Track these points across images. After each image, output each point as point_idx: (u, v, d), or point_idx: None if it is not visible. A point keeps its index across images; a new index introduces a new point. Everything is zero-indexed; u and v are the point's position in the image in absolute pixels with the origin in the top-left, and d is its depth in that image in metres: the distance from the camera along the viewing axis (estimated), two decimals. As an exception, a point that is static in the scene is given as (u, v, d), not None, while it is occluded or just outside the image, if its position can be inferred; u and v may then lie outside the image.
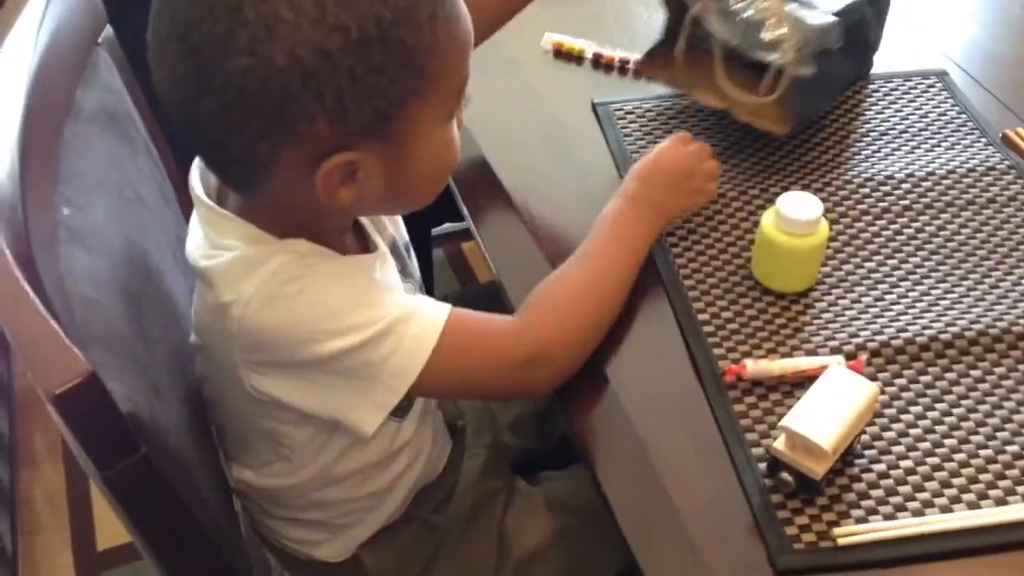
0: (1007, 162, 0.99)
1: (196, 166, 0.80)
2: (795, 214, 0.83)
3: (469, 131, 1.05)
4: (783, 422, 0.72)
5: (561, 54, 1.15)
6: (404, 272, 0.87)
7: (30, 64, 0.78)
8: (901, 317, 0.85)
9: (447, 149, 0.75)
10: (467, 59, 0.73)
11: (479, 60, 1.16)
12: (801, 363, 0.80)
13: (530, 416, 1.09)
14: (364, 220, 0.84)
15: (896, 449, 0.76)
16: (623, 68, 1.13)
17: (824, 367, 0.79)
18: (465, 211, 0.99)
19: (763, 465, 0.75)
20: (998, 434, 0.76)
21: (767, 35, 0.91)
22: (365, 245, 0.83)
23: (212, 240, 0.76)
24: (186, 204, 1.01)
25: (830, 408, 0.72)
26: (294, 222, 0.75)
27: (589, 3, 1.23)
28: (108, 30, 0.91)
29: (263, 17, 0.63)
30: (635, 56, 1.12)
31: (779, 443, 0.72)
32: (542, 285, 0.84)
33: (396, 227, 0.90)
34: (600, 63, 1.14)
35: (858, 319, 0.85)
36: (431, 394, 0.79)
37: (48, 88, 0.79)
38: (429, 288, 0.98)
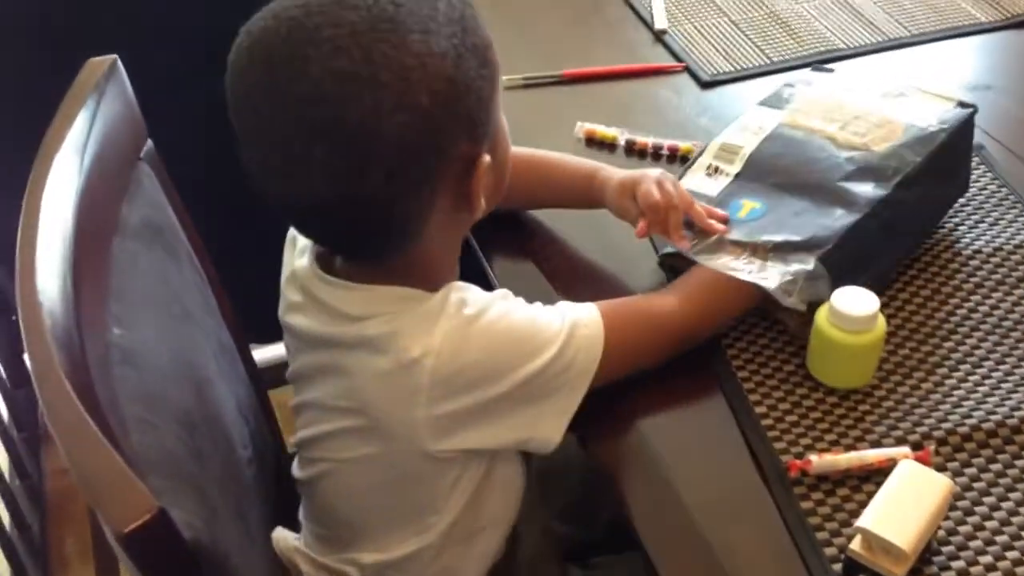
0: (1054, 236, 0.98)
1: (309, 251, 0.81)
2: (851, 310, 0.81)
3: (505, 218, 1.04)
4: (859, 523, 0.70)
5: (594, 142, 1.15)
6: None
7: (77, 183, 0.78)
8: (964, 403, 0.83)
9: (507, 135, 0.82)
10: None
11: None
12: (868, 456, 0.78)
13: (578, 502, 1.07)
14: None
15: (973, 544, 0.74)
16: (656, 154, 1.13)
17: (891, 459, 0.77)
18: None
19: (838, 567, 0.72)
20: (1077, 524, 0.74)
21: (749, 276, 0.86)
22: None
23: (354, 314, 0.77)
24: (225, 310, 1.01)
25: (906, 506, 0.70)
26: (433, 273, 0.78)
27: (617, 92, 1.24)
28: (149, 144, 0.92)
29: (396, 72, 0.68)
30: (668, 142, 1.13)
31: (856, 544, 0.70)
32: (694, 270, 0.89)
33: None
34: (633, 149, 1.14)
35: (920, 407, 0.83)
36: (603, 382, 0.81)
37: (95, 206, 0.79)
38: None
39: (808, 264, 0.84)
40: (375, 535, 0.86)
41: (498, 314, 0.77)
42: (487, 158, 0.76)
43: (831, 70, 1.06)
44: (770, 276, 0.85)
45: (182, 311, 0.87)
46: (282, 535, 0.91)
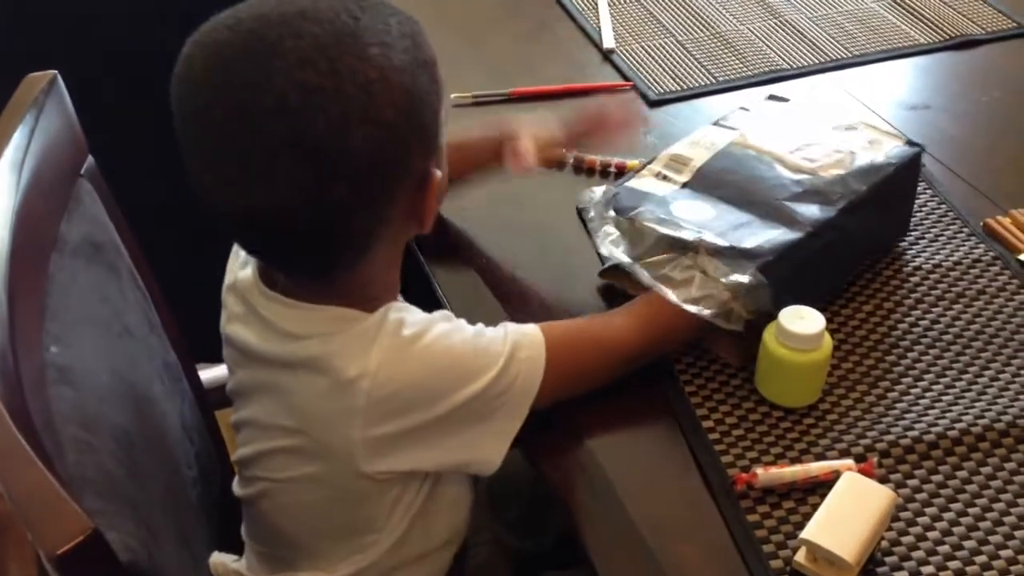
0: (991, 253, 1.00)
1: (253, 263, 0.80)
2: (798, 328, 0.81)
3: (453, 236, 1.04)
4: (804, 534, 0.70)
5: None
6: None
7: (13, 201, 0.77)
8: (906, 416, 0.84)
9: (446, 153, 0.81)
10: None
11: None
12: (812, 468, 0.79)
13: (528, 514, 1.07)
14: None
15: (916, 555, 0.74)
16: (604, 171, 1.14)
17: (835, 471, 0.78)
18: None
19: (784, 579, 0.73)
20: (1016, 533, 0.75)
21: (686, 295, 0.85)
22: None
23: (293, 332, 0.76)
24: (170, 328, 1.00)
25: (850, 518, 0.71)
26: (374, 292, 0.78)
27: (565, 110, 1.24)
28: (90, 160, 0.90)
29: (361, 85, 0.68)
30: (616, 159, 1.13)
31: (800, 556, 0.71)
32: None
33: None
34: (581, 167, 1.14)
35: (863, 419, 0.84)
36: (544, 405, 0.81)
37: (32, 223, 0.78)
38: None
39: (748, 274, 0.84)
40: (316, 553, 0.85)
41: (436, 336, 0.76)
42: (439, 173, 0.76)
43: (786, 99, 1.07)
44: (708, 293, 0.84)
45: (123, 329, 0.85)
46: (219, 559, 0.90)
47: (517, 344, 0.79)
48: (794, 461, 0.81)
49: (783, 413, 0.85)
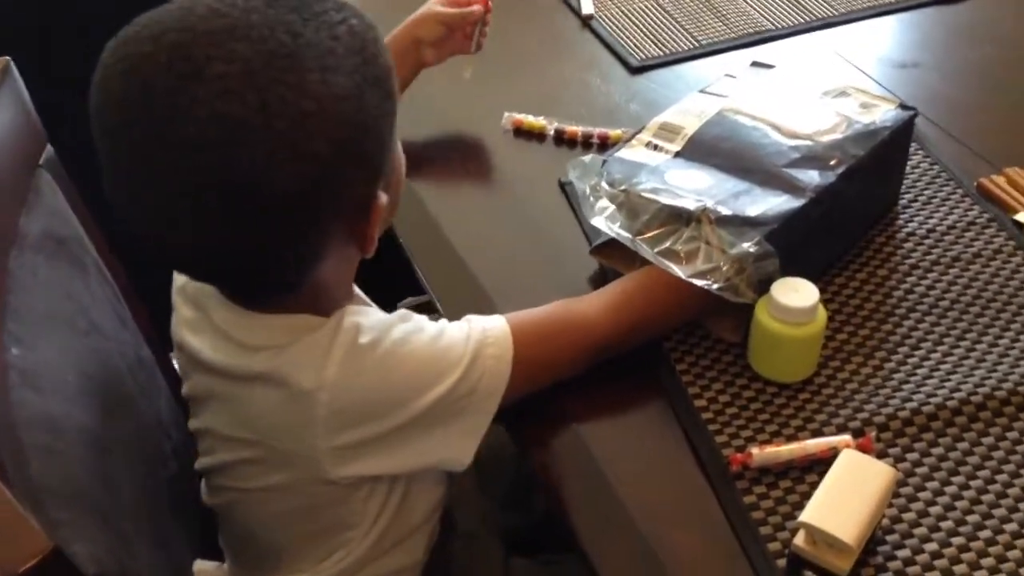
0: (987, 215, 0.97)
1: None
2: (791, 302, 0.78)
3: (432, 215, 1.01)
4: (802, 517, 0.68)
5: (522, 132, 1.12)
6: None
7: (-33, 196, 0.73)
8: (904, 386, 0.82)
9: (402, 161, 0.76)
10: None
11: (439, 144, 1.14)
12: (809, 445, 0.77)
13: (514, 487, 1.05)
14: None
15: (918, 531, 0.72)
16: (586, 142, 1.10)
17: (833, 447, 0.76)
18: (433, 298, 0.95)
19: (782, 562, 0.70)
20: (1021, 506, 0.73)
21: (692, 270, 0.81)
22: None
23: (246, 343, 0.73)
24: (142, 321, 0.96)
25: (849, 498, 0.68)
26: (327, 299, 0.73)
27: (544, 79, 1.21)
28: (49, 150, 0.86)
29: (293, 119, 0.62)
30: (597, 130, 1.10)
31: (799, 539, 0.68)
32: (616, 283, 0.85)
33: None
34: (563, 139, 1.11)
35: (860, 392, 0.82)
36: (515, 398, 0.78)
37: (-12, 219, 0.74)
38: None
39: (754, 243, 0.80)
40: (296, 556, 0.82)
41: (394, 341, 0.72)
42: (383, 198, 0.71)
43: (772, 66, 1.03)
44: (715, 265, 0.80)
45: (90, 327, 0.82)
46: (203, 567, 0.87)
47: (481, 342, 0.75)
48: (790, 439, 0.78)
49: (777, 389, 0.82)
